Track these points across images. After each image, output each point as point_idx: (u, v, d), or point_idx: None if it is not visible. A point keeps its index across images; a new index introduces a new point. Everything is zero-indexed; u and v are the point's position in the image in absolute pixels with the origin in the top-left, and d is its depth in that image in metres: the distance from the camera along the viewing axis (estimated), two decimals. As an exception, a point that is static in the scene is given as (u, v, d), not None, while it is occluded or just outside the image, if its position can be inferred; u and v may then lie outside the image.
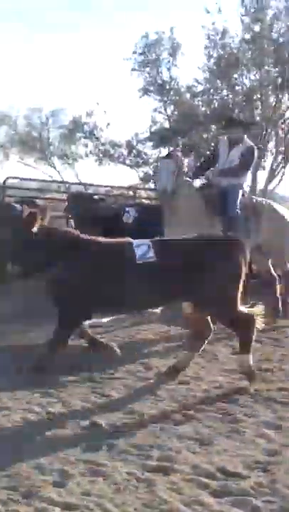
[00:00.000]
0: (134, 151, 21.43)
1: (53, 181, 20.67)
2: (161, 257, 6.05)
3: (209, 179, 9.42)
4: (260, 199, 10.14)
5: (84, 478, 4.03)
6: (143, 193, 19.51)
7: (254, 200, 9.66)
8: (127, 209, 11.71)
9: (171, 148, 9.64)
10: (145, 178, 21.35)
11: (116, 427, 4.90)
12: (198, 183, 9.41)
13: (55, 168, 23.80)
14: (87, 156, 22.85)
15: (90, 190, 18.06)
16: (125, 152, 21.75)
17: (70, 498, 3.76)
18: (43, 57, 51.40)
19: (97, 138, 22.36)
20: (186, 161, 8.90)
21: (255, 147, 9.48)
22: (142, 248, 6.09)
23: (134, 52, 20.93)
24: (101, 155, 22.37)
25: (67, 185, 18.67)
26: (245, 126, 9.78)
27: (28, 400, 5.41)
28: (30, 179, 17.45)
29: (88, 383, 5.99)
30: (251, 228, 9.18)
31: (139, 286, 6.00)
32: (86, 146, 22.83)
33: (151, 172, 20.96)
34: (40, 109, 24.41)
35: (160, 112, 21.31)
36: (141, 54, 21.00)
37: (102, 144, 22.37)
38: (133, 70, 20.99)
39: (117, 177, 30.96)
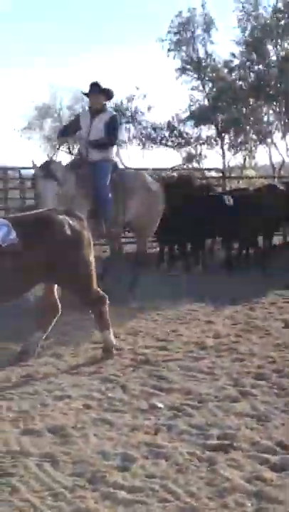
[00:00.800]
0: (175, 131, 21.41)
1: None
2: (22, 237, 5.78)
3: (81, 154, 9.02)
4: (130, 172, 9.84)
5: (147, 460, 4.14)
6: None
7: (124, 176, 9.31)
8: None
9: (51, 156, 8.79)
10: (188, 158, 21.33)
11: (174, 408, 5.00)
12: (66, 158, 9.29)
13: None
14: (130, 140, 22.92)
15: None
16: (167, 134, 21.75)
17: (135, 482, 3.86)
18: (79, 44, 51.41)
19: (138, 122, 22.40)
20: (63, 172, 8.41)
21: (118, 115, 9.23)
22: (3, 229, 5.74)
23: (169, 32, 20.86)
24: (143, 138, 22.41)
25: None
26: (108, 93, 9.02)
27: (88, 387, 5.54)
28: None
29: (144, 366, 6.10)
30: (120, 207, 9.00)
31: (10, 271, 5.74)
32: (128, 130, 22.90)
33: (193, 151, 20.98)
34: (83, 98, 24.44)
35: (198, 90, 21.22)
36: (176, 33, 20.91)
37: (144, 128, 22.40)
38: (169, 50, 20.92)
39: (161, 159, 30.91)
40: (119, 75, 42.30)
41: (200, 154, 21.62)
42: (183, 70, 21.12)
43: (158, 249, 12.68)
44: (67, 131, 9.27)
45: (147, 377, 5.80)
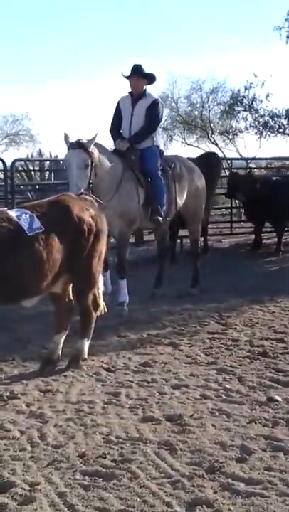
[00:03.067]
0: (293, 120, 20.93)
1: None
2: (46, 225, 5.36)
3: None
4: (175, 157, 9.20)
5: (265, 453, 4.10)
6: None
7: (171, 162, 8.72)
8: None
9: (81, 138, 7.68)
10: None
11: (294, 402, 4.92)
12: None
13: (216, 145, 23.78)
14: (247, 129, 22.65)
15: (252, 164, 17.95)
16: (285, 122, 21.29)
17: (253, 474, 3.84)
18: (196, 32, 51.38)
19: (256, 110, 22.06)
20: (96, 152, 7.69)
21: (160, 100, 8.64)
22: (26, 218, 5.31)
23: (287, 20, 20.37)
24: (261, 127, 22.06)
25: (228, 161, 18.62)
26: (151, 77, 8.42)
27: (205, 377, 5.56)
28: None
29: (262, 358, 6.04)
30: (172, 193, 8.50)
31: (39, 263, 5.33)
32: (246, 119, 22.63)
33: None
34: (201, 88, 24.45)
35: None
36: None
37: (262, 116, 22.05)
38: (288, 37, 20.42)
39: (279, 148, 30.52)
40: (236, 62, 42.01)
41: None
42: (302, 56, 20.59)
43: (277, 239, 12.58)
44: (116, 128, 8.51)
45: (265, 369, 5.75)
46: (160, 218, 8.28)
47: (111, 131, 8.55)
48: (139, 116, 8.28)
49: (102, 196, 7.38)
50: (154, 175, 8.27)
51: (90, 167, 7.58)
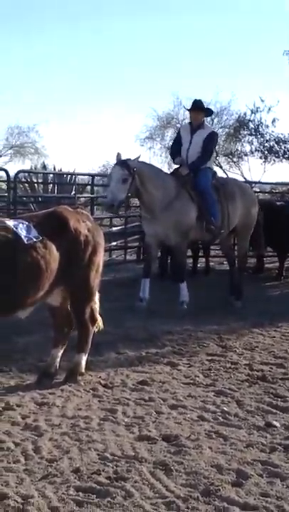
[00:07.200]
0: (299, 145, 21.05)
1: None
2: (43, 235, 5.33)
3: (182, 160, 9.41)
4: (227, 178, 10.55)
5: (261, 479, 4.05)
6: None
7: (223, 182, 9.88)
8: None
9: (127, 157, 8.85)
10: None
11: (292, 429, 4.87)
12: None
13: (220, 167, 23.85)
14: (252, 153, 22.75)
15: (256, 188, 17.99)
16: (291, 147, 21.40)
17: (249, 499, 3.79)
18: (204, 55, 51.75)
19: (262, 135, 22.17)
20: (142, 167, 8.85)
21: (215, 131, 10.06)
22: (23, 227, 5.28)
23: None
24: (266, 152, 22.15)
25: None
26: (208, 111, 10.21)
27: (203, 399, 5.50)
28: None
29: (261, 382, 5.99)
30: (224, 210, 9.34)
31: (36, 272, 5.29)
32: (251, 143, 22.73)
33: None
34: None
35: None
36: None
37: (267, 141, 22.14)
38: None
39: (284, 173, 30.61)
40: (243, 86, 42.19)
41: None
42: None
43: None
44: (177, 150, 9.59)
45: (263, 393, 5.69)
46: (214, 227, 9.18)
47: (171, 154, 9.98)
48: (197, 143, 9.29)
49: (156, 210, 8.77)
50: (205, 191, 9.19)
51: (128, 182, 8.60)
